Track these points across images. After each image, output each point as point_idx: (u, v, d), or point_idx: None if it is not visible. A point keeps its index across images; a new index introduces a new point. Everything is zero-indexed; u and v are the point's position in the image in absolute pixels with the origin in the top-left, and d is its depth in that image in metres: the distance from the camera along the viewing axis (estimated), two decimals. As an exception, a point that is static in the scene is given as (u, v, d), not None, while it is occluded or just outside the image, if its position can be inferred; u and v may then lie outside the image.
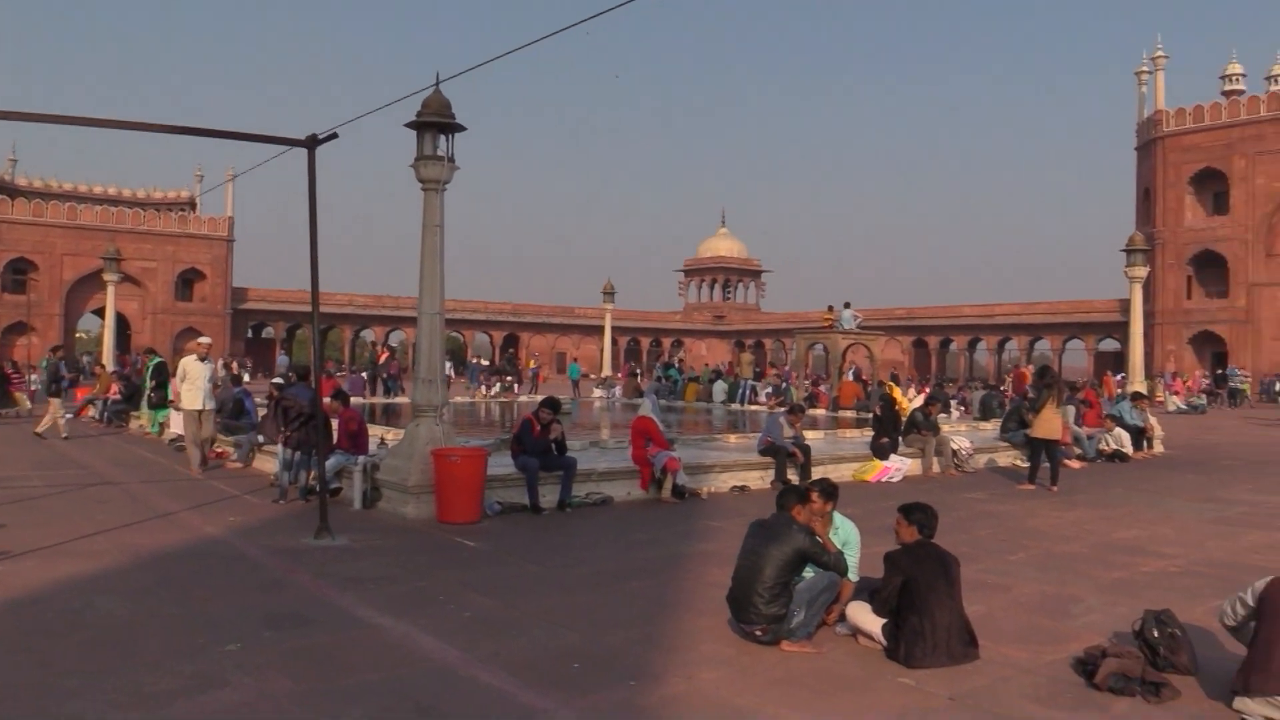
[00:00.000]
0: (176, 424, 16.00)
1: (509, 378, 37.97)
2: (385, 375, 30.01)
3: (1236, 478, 14.48)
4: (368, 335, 63.83)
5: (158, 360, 18.86)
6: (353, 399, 14.36)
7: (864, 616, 5.45)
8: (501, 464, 10.49)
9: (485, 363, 46.53)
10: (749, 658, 5.28)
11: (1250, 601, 4.79)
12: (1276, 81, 48.27)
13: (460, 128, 10.13)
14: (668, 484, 11.02)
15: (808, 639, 5.47)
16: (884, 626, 5.31)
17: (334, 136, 8.95)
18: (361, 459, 10.50)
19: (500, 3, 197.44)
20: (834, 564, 5.68)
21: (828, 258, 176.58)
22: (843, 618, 5.66)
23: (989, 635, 5.58)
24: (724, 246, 76.57)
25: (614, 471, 11.22)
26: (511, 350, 63.31)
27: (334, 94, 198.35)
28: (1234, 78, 50.04)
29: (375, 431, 13.08)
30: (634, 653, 5.36)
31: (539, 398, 14.45)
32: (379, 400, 26.05)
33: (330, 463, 10.08)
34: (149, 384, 18.08)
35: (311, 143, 8.77)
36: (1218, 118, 45.79)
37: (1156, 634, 5.16)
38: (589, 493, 10.72)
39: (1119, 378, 32.62)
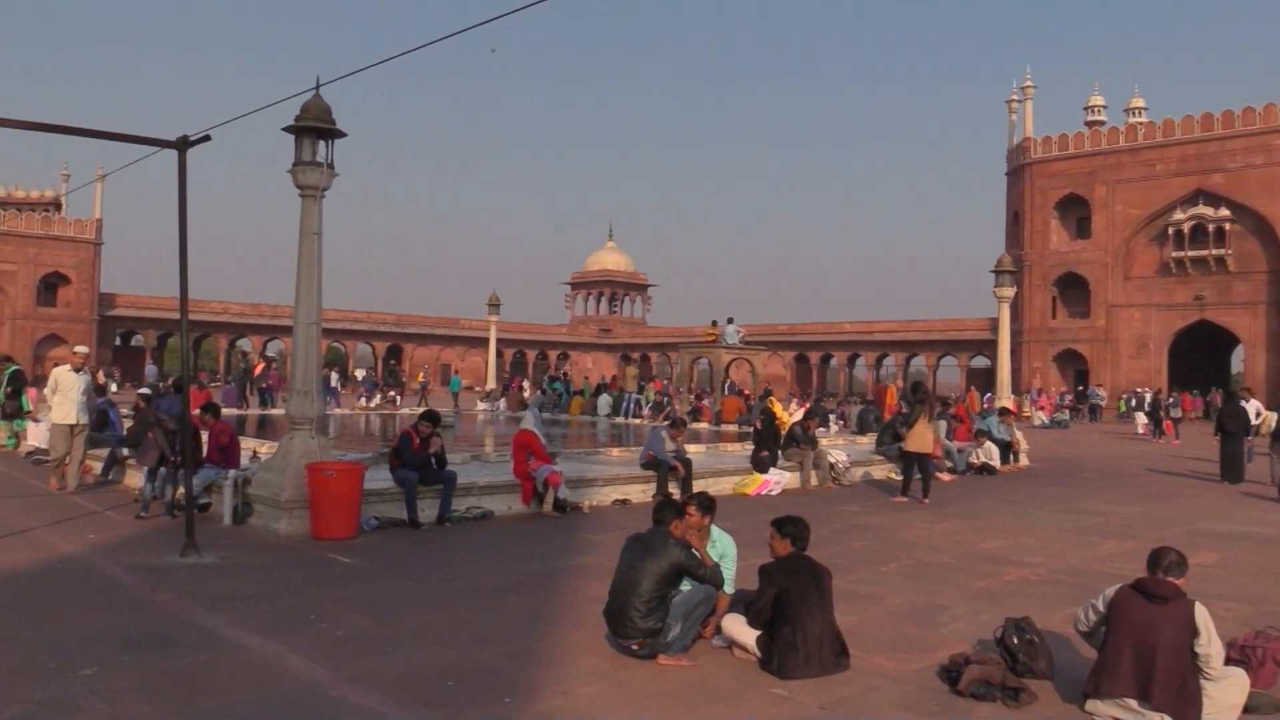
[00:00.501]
0: (34, 436, 15.23)
1: (392, 390, 37.33)
2: (262, 386, 29.16)
3: (1095, 489, 15.20)
4: (245, 345, 61.96)
5: (14, 368, 17.89)
6: (225, 411, 13.89)
7: (739, 629, 5.52)
8: (380, 478, 10.29)
9: (361, 374, 45.41)
10: (625, 672, 5.29)
11: (1101, 608, 5.01)
12: (1135, 114, 51.12)
13: (340, 133, 9.93)
14: (549, 498, 10.97)
15: (684, 652, 5.51)
16: (758, 638, 5.38)
17: (206, 139, 8.69)
18: (232, 473, 10.15)
19: (384, 8, 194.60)
20: (710, 577, 5.74)
21: (714, 273, 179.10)
22: (719, 630, 5.72)
23: (860, 645, 5.71)
24: (611, 260, 76.92)
25: (495, 486, 11.11)
26: (393, 361, 62.27)
27: (209, 94, 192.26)
28: (1096, 109, 52.86)
29: (248, 445, 12.69)
30: (510, 669, 5.31)
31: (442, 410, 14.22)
32: (253, 412, 25.27)
33: (199, 477, 9.72)
34: (4, 392, 17.14)
35: (182, 144, 8.48)
36: (1081, 146, 48.14)
37: (1016, 641, 5.36)
38: (469, 507, 10.59)
39: (987, 397, 33.86)
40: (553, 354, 73.19)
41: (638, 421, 25.82)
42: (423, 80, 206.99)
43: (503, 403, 32.02)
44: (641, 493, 12.25)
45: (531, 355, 71.69)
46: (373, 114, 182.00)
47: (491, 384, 36.80)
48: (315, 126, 9.79)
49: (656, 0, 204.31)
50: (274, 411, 24.57)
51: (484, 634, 6.00)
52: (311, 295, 9.98)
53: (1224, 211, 43.23)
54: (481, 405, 32.24)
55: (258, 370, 31.36)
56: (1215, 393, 41.05)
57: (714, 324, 27.04)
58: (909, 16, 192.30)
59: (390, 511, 9.98)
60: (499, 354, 55.47)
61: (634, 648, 5.43)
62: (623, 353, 73.70)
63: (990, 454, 17.23)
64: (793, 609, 5.26)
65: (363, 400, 33.64)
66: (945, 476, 15.45)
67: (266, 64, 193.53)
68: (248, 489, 9.99)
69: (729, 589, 6.00)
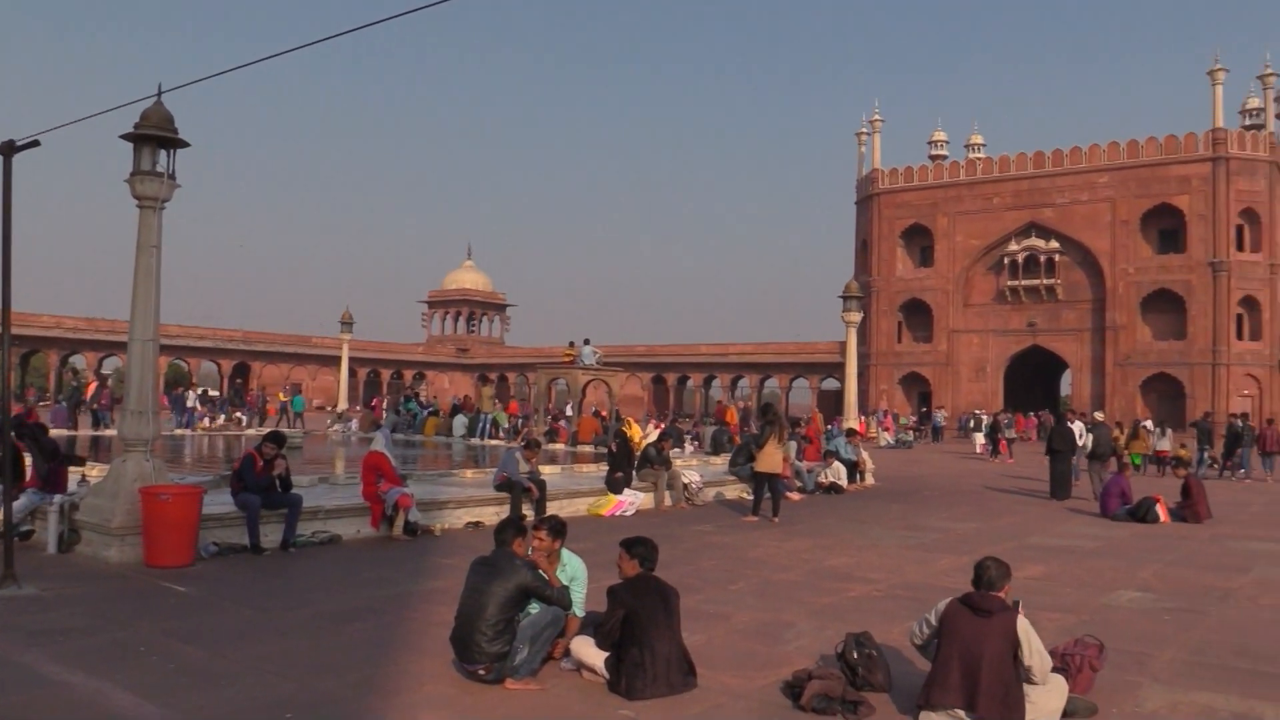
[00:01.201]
0: None
1: (238, 410, 35.93)
2: (95, 406, 27.61)
3: (935, 507, 15.84)
4: (78, 361, 58.63)
5: None
6: (55, 431, 13.10)
7: (587, 651, 5.51)
8: (221, 502, 9.90)
9: (199, 393, 43.28)
10: (471, 698, 5.21)
11: (934, 621, 5.21)
12: (974, 150, 53.95)
13: (183, 143, 9.55)
14: (399, 521, 10.74)
15: (532, 676, 5.47)
16: (606, 660, 5.39)
17: (35, 144, 8.22)
18: (58, 498, 9.57)
19: (233, 16, 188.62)
20: (558, 599, 5.72)
21: (573, 294, 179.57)
22: (568, 653, 5.70)
23: (707, 663, 5.79)
24: (469, 279, 76.21)
25: (343, 509, 10.81)
26: (239, 380, 59.97)
27: (41, 97, 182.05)
28: (939, 144, 55.73)
29: (76, 468, 12.00)
30: (351, 699, 5.16)
31: (289, 431, 13.74)
32: (85, 433, 23.92)
33: (20, 503, 9.16)
34: None
35: (8, 150, 8.02)
36: (925, 179, 50.47)
37: (856, 655, 5.53)
38: (315, 531, 10.27)
39: (837, 419, 34.84)
40: (409, 373, 71.82)
41: (494, 443, 25.60)
42: (274, 91, 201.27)
43: (354, 423, 31.23)
44: (495, 515, 12.09)
45: (386, 374, 70.20)
46: (220, 124, 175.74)
47: (343, 403, 35.85)
48: (156, 135, 9.39)
49: (516, 23, 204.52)
50: (107, 432, 23.32)
51: (326, 663, 5.82)
52: (149, 311, 9.53)
53: (1054, 244, 45.97)
54: (332, 426, 31.35)
55: (90, 389, 29.63)
56: (1046, 414, 43.40)
57: (571, 344, 27.09)
58: (765, 49, 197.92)
59: (231, 537, 9.59)
60: (352, 373, 54.11)
61: (481, 672, 5.36)
62: (480, 373, 72.98)
63: (838, 474, 17.75)
64: (641, 629, 5.29)
65: (206, 420, 32.23)
66: (795, 496, 15.84)
67: (106, 69, 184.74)
68: (75, 515, 9.44)
69: (579, 611, 5.99)
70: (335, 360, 45.99)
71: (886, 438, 37.75)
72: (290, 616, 7.09)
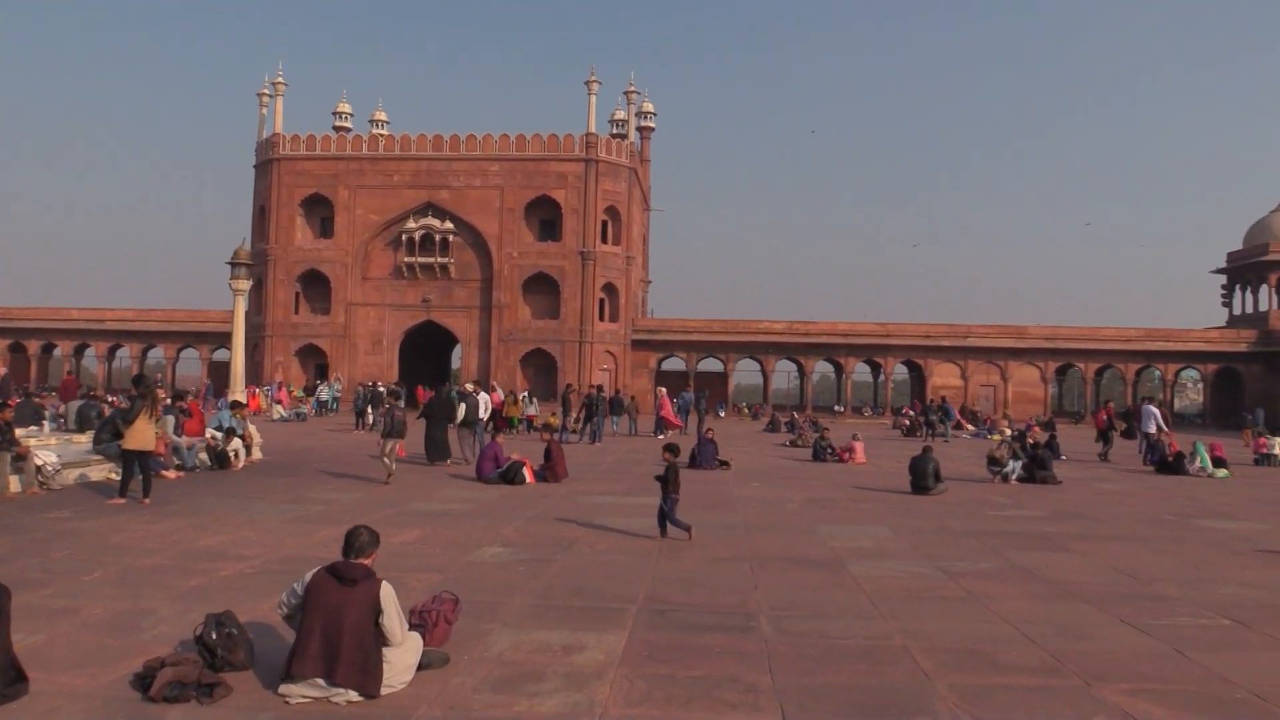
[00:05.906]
0: None
1: None
2: None
3: (320, 479, 15.87)
4: None
5: None
6: None
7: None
8: None
9: None
10: None
11: (300, 591, 5.26)
12: (378, 126, 54.73)
13: None
14: None
15: None
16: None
17: None
18: None
19: None
20: None
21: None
22: None
23: (44, 666, 5.26)
24: None
25: None
26: None
27: None
28: (344, 115, 55.77)
29: None
30: None
31: None
32: None
33: None
34: None
35: None
36: (328, 149, 49.91)
37: (215, 636, 5.39)
38: None
39: (226, 392, 33.26)
40: None
41: None
42: None
43: None
44: None
45: None
46: None
47: None
48: None
49: None
50: None
51: None
52: None
53: (449, 224, 48.29)
54: None
55: None
56: (443, 387, 45.53)
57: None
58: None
59: None
60: None
61: None
62: None
63: (238, 448, 17.08)
64: (-50, 637, 4.63)
65: None
66: (171, 474, 14.86)
67: None
68: None
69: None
70: None
71: (281, 411, 36.91)
72: None
